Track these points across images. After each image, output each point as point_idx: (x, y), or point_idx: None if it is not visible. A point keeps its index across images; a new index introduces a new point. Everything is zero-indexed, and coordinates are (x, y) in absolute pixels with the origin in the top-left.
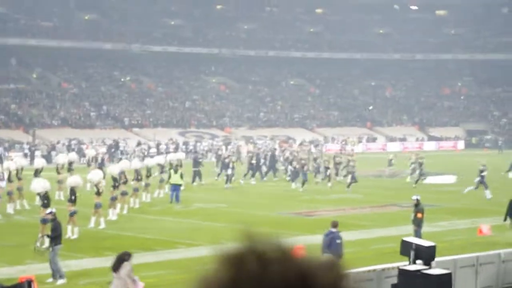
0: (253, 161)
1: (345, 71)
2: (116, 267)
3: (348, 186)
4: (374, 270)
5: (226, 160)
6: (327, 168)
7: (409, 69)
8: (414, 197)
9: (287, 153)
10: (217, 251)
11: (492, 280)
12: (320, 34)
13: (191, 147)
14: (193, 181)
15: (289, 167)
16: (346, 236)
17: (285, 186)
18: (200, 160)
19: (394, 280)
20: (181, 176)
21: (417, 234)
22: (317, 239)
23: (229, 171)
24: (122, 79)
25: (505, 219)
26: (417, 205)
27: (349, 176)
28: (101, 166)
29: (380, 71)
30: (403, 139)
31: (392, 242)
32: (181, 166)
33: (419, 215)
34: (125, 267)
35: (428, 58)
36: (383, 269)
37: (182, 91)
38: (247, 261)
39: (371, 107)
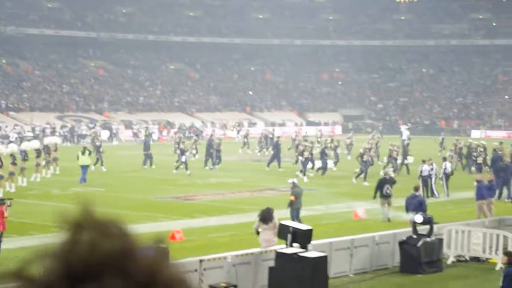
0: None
1: (225, 56)
2: (266, 219)
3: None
4: (252, 254)
5: (181, 146)
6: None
7: (288, 54)
8: (291, 181)
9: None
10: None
11: (366, 262)
12: (200, 18)
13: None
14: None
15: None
16: (225, 220)
17: (163, 171)
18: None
19: (272, 263)
20: (89, 155)
21: (293, 216)
22: (196, 222)
23: (183, 158)
24: None
25: (374, 197)
26: (293, 188)
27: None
28: None
29: (260, 56)
30: (282, 124)
31: None
32: (56, 150)
33: (291, 197)
34: (275, 218)
35: (307, 44)
36: (261, 252)
37: (60, 75)
38: (82, 230)
39: (250, 92)
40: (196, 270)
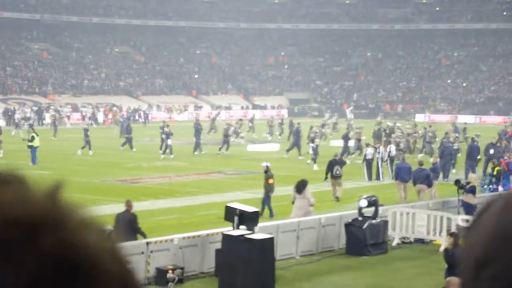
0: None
1: (170, 39)
2: (300, 189)
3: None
4: (199, 236)
5: (166, 130)
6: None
7: (234, 37)
8: (264, 164)
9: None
10: None
11: (312, 244)
12: (145, 1)
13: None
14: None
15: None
16: (171, 203)
17: (115, 154)
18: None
19: (218, 245)
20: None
21: (267, 199)
22: (142, 205)
23: (169, 142)
24: None
25: (325, 178)
26: (266, 171)
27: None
28: None
29: (205, 40)
30: (228, 108)
31: (217, 209)
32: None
33: (270, 180)
34: (308, 189)
35: (253, 27)
36: (207, 235)
37: (3, 57)
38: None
39: (196, 75)
40: (143, 253)
